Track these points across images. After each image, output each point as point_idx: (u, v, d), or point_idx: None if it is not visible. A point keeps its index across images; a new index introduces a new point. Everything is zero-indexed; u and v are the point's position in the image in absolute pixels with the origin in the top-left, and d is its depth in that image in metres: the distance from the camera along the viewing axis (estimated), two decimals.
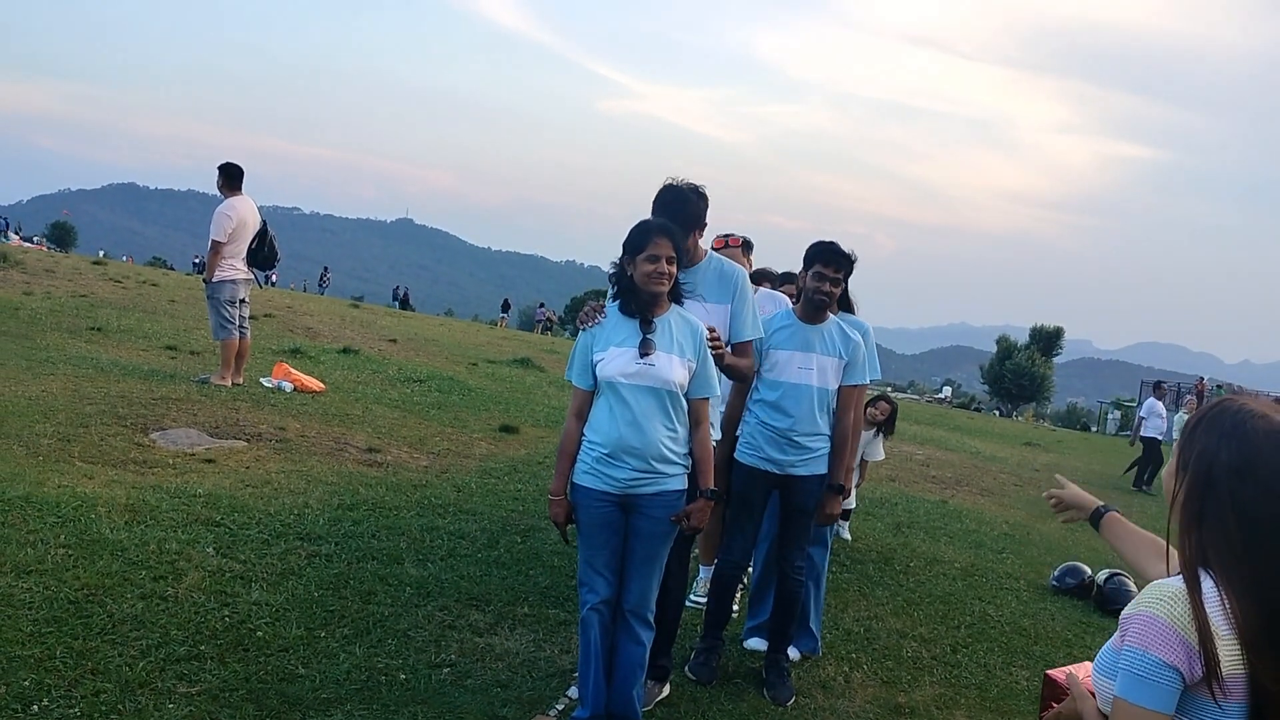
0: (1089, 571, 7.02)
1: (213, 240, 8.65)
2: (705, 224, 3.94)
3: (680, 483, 3.54)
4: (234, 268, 8.75)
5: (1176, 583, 1.64)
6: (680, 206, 3.77)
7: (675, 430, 3.50)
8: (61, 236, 66.67)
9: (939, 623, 5.71)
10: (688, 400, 3.54)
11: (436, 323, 27.61)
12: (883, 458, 8.06)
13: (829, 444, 4.26)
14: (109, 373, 8.56)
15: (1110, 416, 46.37)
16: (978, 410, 47.60)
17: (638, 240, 3.44)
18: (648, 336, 3.45)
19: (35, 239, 56.68)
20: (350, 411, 8.83)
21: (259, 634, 3.88)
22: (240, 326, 8.83)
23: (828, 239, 4.26)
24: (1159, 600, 1.63)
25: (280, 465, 6.48)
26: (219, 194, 8.85)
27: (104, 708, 3.16)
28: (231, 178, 8.83)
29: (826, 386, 4.20)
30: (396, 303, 43.73)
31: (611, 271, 3.58)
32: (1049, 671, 2.09)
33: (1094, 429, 46.61)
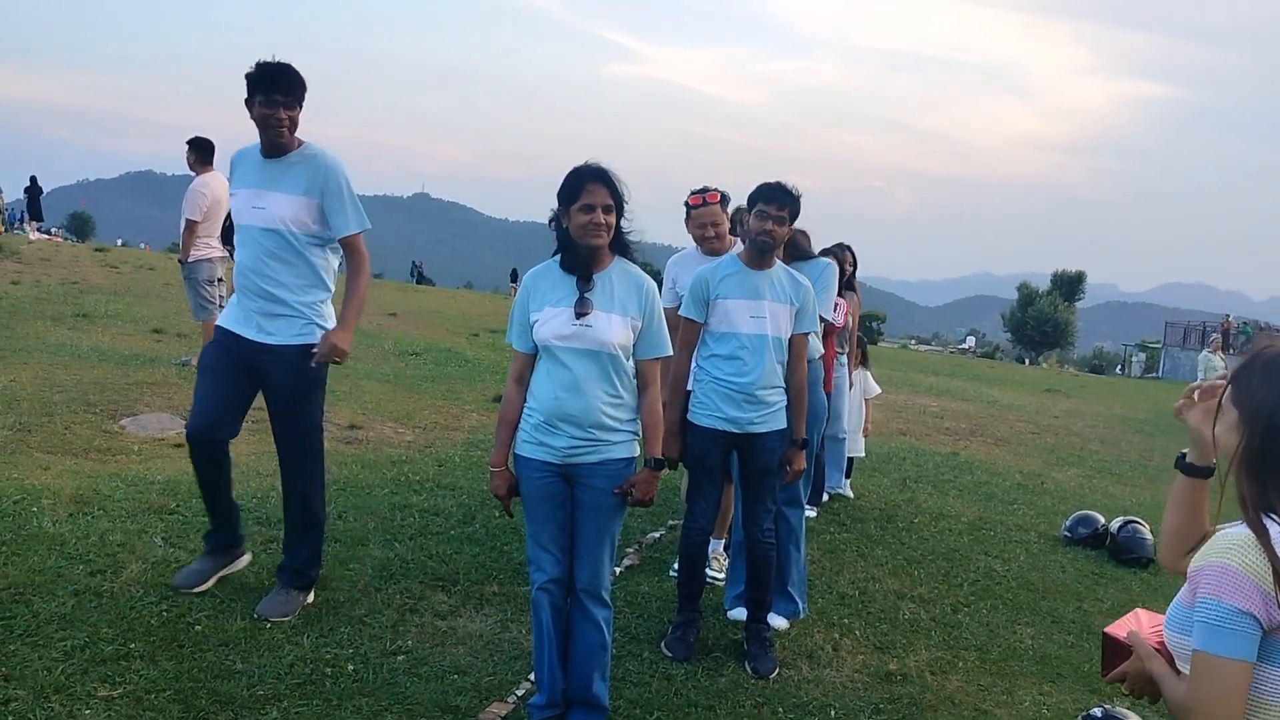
0: (1102, 520, 6.70)
1: (187, 219, 8.38)
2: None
3: (626, 450, 3.27)
4: (210, 246, 8.48)
5: (1242, 530, 1.61)
6: None
7: (619, 396, 3.22)
8: (80, 227, 66.69)
9: (940, 581, 5.42)
10: (636, 362, 3.26)
11: (448, 296, 27.38)
12: (880, 391, 7.81)
13: (785, 397, 3.99)
14: (86, 359, 8.36)
15: (1135, 359, 45.69)
16: (999, 359, 46.97)
17: (570, 187, 3.12)
18: (584, 295, 3.16)
19: (53, 230, 56.68)
20: (337, 388, 8.57)
21: (198, 629, 3.64)
22: (220, 306, 8.59)
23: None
24: (1229, 549, 1.60)
25: (253, 447, 6.23)
26: (190, 171, 8.58)
27: (12, 717, 2.93)
28: (203, 152, 8.53)
29: (780, 335, 3.92)
30: (414, 278, 43.36)
31: (550, 224, 3.29)
32: (1107, 630, 1.97)
33: (1119, 371, 45.90)
